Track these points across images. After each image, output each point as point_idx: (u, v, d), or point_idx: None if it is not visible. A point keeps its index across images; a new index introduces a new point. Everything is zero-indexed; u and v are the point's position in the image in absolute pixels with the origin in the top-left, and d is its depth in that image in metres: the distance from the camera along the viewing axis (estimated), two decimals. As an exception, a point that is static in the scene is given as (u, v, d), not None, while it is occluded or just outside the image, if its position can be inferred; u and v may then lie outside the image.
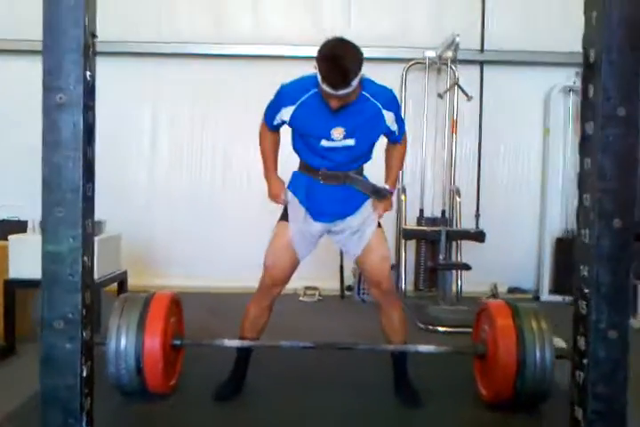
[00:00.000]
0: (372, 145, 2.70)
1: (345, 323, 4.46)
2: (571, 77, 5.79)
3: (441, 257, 4.65)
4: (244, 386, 2.89)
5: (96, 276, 3.71)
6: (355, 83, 2.33)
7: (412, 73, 5.79)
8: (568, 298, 5.48)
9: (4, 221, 5.32)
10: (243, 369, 2.91)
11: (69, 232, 1.38)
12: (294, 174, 2.80)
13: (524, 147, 5.93)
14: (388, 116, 2.59)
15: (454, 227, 5.26)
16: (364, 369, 3.21)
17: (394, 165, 2.86)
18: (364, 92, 2.51)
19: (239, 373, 2.90)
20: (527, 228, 5.87)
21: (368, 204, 2.76)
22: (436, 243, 4.85)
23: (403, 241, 5.32)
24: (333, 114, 2.50)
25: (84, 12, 1.32)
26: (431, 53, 5.61)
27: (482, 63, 5.89)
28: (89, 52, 1.39)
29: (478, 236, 4.71)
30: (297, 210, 2.74)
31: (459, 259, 5.17)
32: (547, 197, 5.78)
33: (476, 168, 5.83)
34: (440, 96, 5.34)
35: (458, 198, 5.46)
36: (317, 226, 2.74)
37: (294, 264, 2.76)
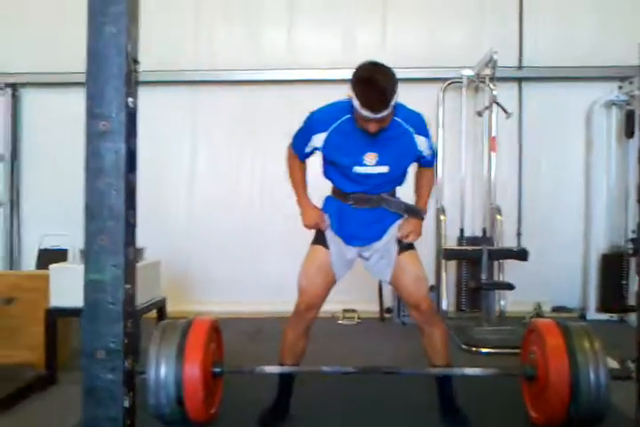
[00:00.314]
0: (406, 170, 2.71)
1: (385, 346, 4.37)
2: (613, 91, 5.67)
3: (483, 277, 4.54)
4: (288, 413, 2.83)
5: (137, 303, 3.72)
6: (393, 104, 2.32)
7: (450, 92, 5.73)
8: (616, 316, 5.33)
9: (46, 250, 5.42)
10: (286, 396, 2.86)
11: (111, 260, 1.37)
12: (327, 199, 2.79)
13: (566, 163, 5.81)
14: (421, 142, 2.58)
15: (495, 246, 5.14)
16: (409, 393, 3.13)
17: (424, 188, 2.84)
18: (395, 118, 2.49)
19: (283, 399, 2.85)
20: (571, 245, 5.72)
21: (394, 227, 2.72)
22: (478, 263, 4.76)
23: (443, 262, 5.22)
24: (366, 140, 2.48)
25: (127, 39, 1.31)
26: (468, 72, 5.56)
27: (520, 80, 5.83)
28: (131, 79, 1.38)
29: (521, 254, 4.61)
30: (332, 233, 2.73)
31: (501, 278, 5.05)
32: (591, 212, 5.63)
33: (516, 186, 5.74)
34: (479, 114, 5.28)
35: (499, 217, 5.33)
36: (351, 249, 2.75)
37: (328, 287, 2.74)
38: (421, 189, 2.85)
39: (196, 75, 5.83)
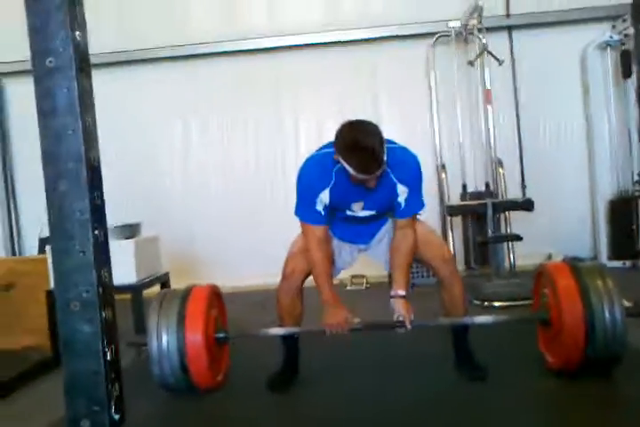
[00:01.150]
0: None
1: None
2: (606, 32, 5.50)
3: (490, 230, 4.44)
4: (297, 375, 2.77)
5: (135, 278, 3.66)
6: (385, 157, 2.24)
7: (440, 47, 5.60)
8: (628, 263, 5.23)
9: (47, 238, 5.35)
10: (293, 358, 2.79)
11: (76, 205, 1.28)
12: None
13: (565, 110, 5.68)
14: (401, 190, 2.46)
15: (500, 199, 5.04)
16: (421, 348, 3.05)
17: (400, 262, 2.52)
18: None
19: (290, 362, 2.78)
20: (577, 193, 5.62)
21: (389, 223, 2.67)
22: (483, 217, 4.65)
23: (448, 219, 5.12)
24: (352, 189, 2.40)
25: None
26: (455, 24, 5.42)
27: (509, 28, 5.68)
28: (76, 10, 1.27)
29: (526, 205, 4.49)
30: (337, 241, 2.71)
31: (508, 231, 4.95)
32: (594, 158, 5.52)
33: (516, 137, 5.62)
34: (471, 64, 5.14)
35: (501, 170, 5.23)
36: (352, 245, 2.74)
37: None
38: (397, 263, 2.54)
39: (175, 50, 5.74)
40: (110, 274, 1.34)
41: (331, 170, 2.40)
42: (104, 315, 1.30)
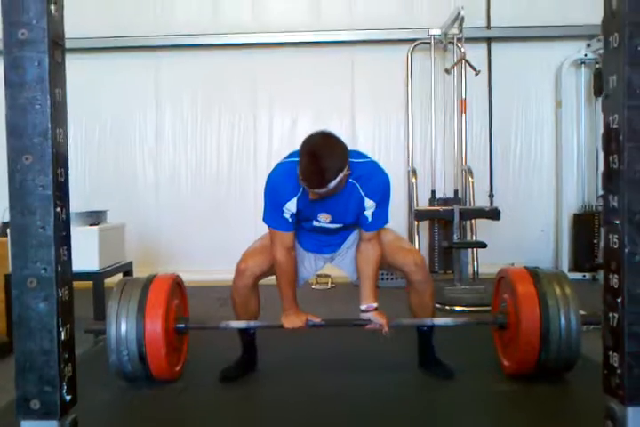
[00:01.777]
0: None
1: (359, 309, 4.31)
2: (581, 50, 5.62)
3: (455, 236, 4.49)
4: (253, 370, 2.77)
5: (98, 265, 3.61)
6: (333, 184, 2.21)
7: (418, 54, 5.65)
8: (588, 275, 5.34)
9: (8, 223, 5.25)
10: (250, 354, 2.79)
11: (39, 180, 1.25)
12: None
13: (537, 123, 5.79)
14: (369, 204, 2.44)
15: (468, 206, 5.10)
16: (380, 349, 3.05)
17: (368, 273, 2.53)
18: (350, 179, 2.36)
19: (246, 357, 2.78)
20: (543, 205, 5.73)
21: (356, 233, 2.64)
22: (450, 223, 4.70)
23: (416, 224, 5.16)
24: (320, 201, 2.37)
25: None
26: (436, 31, 5.47)
27: (489, 40, 5.77)
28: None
29: (493, 213, 4.55)
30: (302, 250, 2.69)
31: (474, 238, 5.01)
32: (562, 172, 5.62)
33: (487, 147, 5.69)
34: (447, 72, 5.20)
35: (470, 178, 5.30)
36: (318, 255, 2.73)
37: (267, 273, 2.63)
38: (364, 274, 2.54)
39: (158, 39, 5.69)
40: (70, 253, 1.32)
41: (299, 180, 2.35)
42: (60, 294, 1.27)
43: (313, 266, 2.76)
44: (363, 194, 2.40)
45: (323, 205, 2.41)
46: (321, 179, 2.18)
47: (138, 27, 5.66)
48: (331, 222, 2.50)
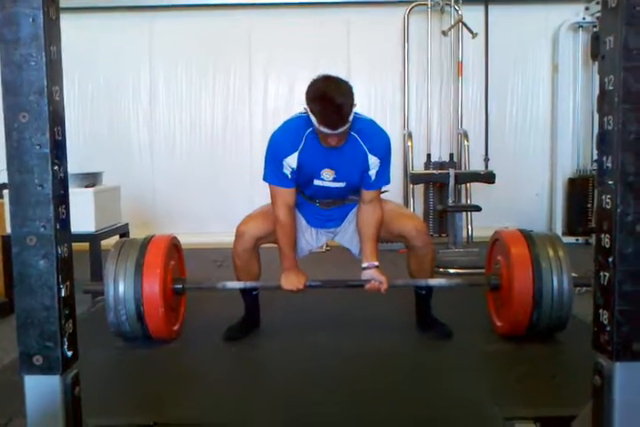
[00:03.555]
0: None
1: (355, 272, 4.35)
2: (580, 13, 5.55)
3: (450, 200, 4.51)
4: (257, 327, 2.83)
5: (94, 227, 3.63)
6: (351, 117, 2.24)
7: (415, 15, 5.57)
8: (581, 239, 5.38)
9: (5, 184, 5.24)
10: (253, 314, 2.83)
11: (35, 139, 1.25)
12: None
13: (533, 87, 5.75)
14: (373, 162, 2.46)
15: (463, 170, 5.11)
16: (379, 310, 3.10)
17: (370, 233, 2.55)
18: (351, 132, 2.38)
19: (250, 316, 2.82)
20: (538, 169, 5.74)
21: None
22: (445, 186, 4.72)
23: (411, 187, 5.18)
24: (324, 155, 2.40)
25: None
26: (434, -8, 5.38)
27: (487, 2, 5.67)
28: None
29: (488, 177, 4.57)
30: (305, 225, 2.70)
31: (468, 202, 5.03)
32: (557, 136, 5.62)
33: (483, 110, 5.66)
34: (444, 33, 5.14)
35: (466, 142, 5.30)
36: (321, 230, 2.74)
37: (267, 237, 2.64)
38: (366, 235, 2.56)
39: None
40: (68, 212, 1.32)
41: (302, 133, 2.40)
42: (60, 251, 1.29)
43: (314, 240, 2.77)
44: (366, 149, 2.43)
45: (326, 158, 2.43)
46: (340, 117, 2.21)
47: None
48: (334, 180, 2.49)
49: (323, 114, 2.22)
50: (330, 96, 2.20)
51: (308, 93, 2.27)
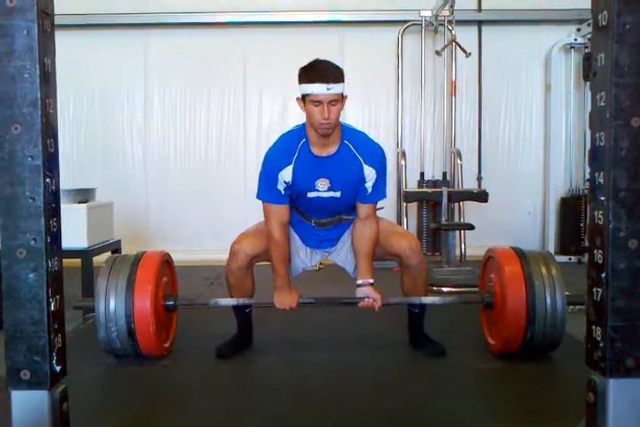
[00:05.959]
0: None
1: (348, 290, 4.33)
2: (571, 35, 5.62)
3: (443, 218, 4.52)
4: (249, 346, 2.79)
5: (86, 243, 3.61)
6: (342, 87, 2.28)
7: (409, 35, 5.63)
8: (574, 258, 5.39)
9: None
10: (246, 331, 2.80)
11: (28, 151, 1.25)
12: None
13: (526, 107, 5.80)
14: (368, 172, 2.45)
15: (456, 188, 5.13)
16: (371, 329, 3.08)
17: (365, 251, 2.53)
18: (345, 141, 2.40)
19: (242, 334, 2.79)
20: (531, 188, 5.76)
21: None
22: (438, 205, 4.73)
23: (404, 205, 5.19)
24: (318, 165, 2.41)
25: None
26: (427, 13, 5.45)
27: (480, 23, 5.75)
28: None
29: (481, 196, 4.59)
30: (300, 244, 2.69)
31: (462, 221, 5.04)
32: (549, 156, 5.66)
33: (476, 129, 5.70)
34: (438, 53, 5.18)
35: (459, 161, 5.32)
36: (316, 250, 2.74)
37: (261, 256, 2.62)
38: (361, 251, 2.54)
39: (147, 17, 5.63)
40: (59, 225, 1.31)
41: (296, 144, 2.41)
42: (50, 265, 1.28)
43: (309, 258, 2.75)
44: (360, 158, 2.42)
45: (320, 168, 2.42)
46: (333, 71, 2.28)
47: (128, 4, 5.59)
48: (330, 189, 2.46)
49: (316, 69, 2.29)
50: (320, 61, 2.34)
51: (299, 72, 2.36)
